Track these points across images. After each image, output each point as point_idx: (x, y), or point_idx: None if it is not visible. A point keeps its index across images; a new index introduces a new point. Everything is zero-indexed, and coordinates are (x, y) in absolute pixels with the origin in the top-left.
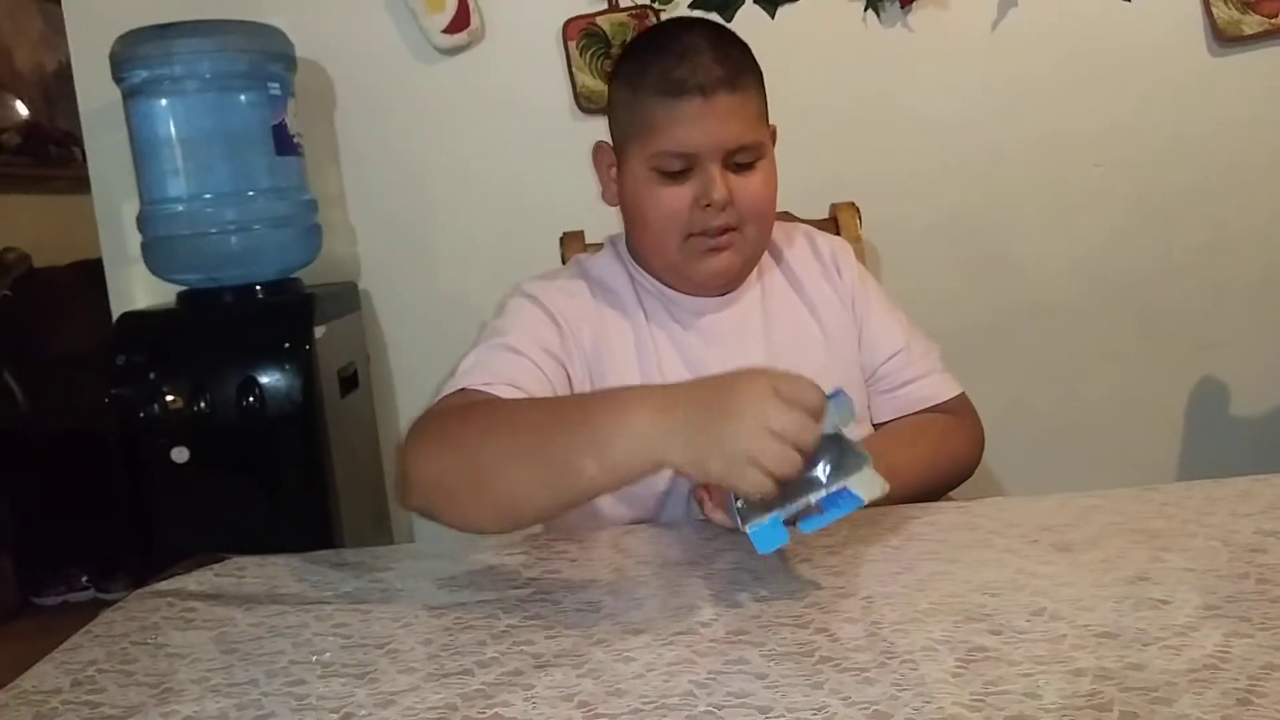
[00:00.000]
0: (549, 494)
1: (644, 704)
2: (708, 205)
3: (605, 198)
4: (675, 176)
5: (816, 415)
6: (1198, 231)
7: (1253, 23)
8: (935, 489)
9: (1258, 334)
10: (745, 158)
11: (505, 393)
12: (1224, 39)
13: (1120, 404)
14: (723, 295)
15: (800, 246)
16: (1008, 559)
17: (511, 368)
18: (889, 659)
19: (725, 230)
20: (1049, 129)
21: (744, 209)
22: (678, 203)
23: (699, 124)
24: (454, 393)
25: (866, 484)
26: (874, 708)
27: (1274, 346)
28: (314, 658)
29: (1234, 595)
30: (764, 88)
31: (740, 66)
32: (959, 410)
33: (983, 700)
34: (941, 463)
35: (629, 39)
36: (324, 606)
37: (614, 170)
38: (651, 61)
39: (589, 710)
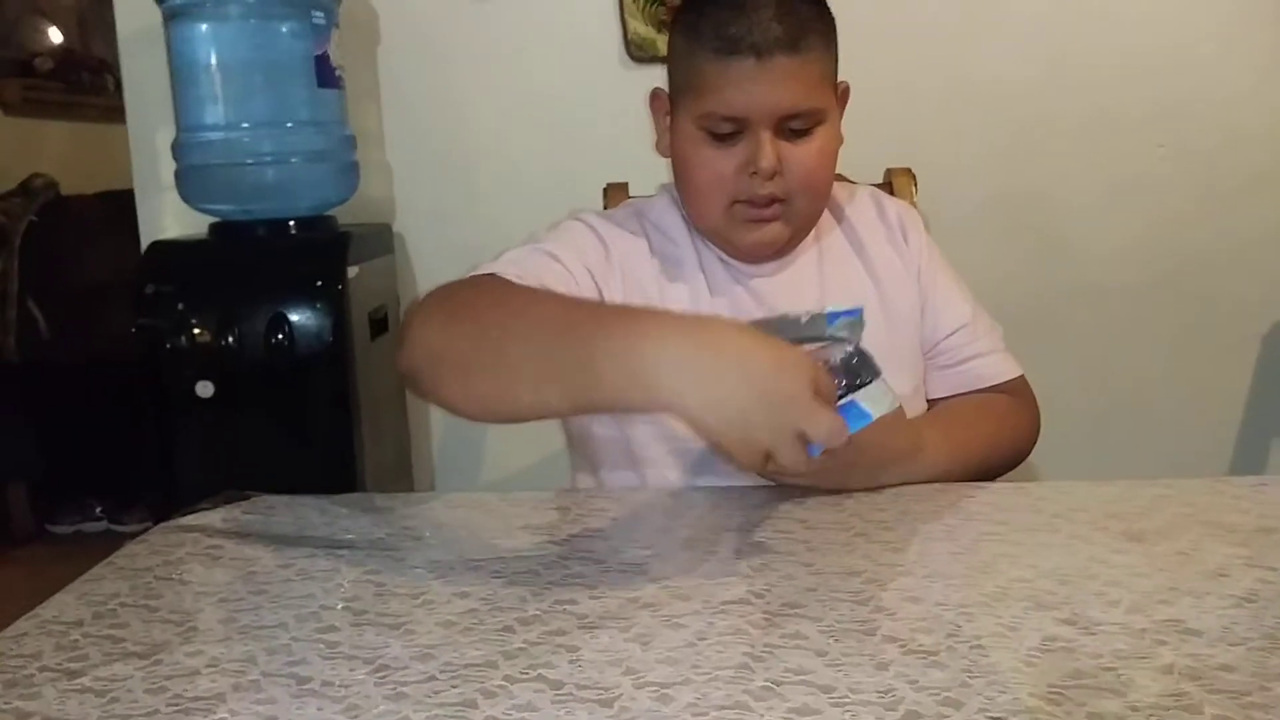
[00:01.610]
0: (557, 390)
1: (696, 674)
2: (754, 173)
3: (658, 147)
4: (724, 139)
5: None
6: (1264, 220)
7: None
8: (993, 470)
9: None
10: (801, 124)
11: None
12: None
13: (1173, 392)
14: (777, 259)
15: (865, 207)
16: (1077, 545)
17: (545, 270)
18: (957, 643)
19: (772, 201)
20: (1113, 107)
21: (794, 180)
22: (724, 167)
23: (751, 87)
24: (480, 275)
25: (875, 398)
26: (945, 694)
27: None
28: (345, 604)
29: None
30: (834, 46)
31: (805, 25)
32: (1019, 392)
33: (1061, 694)
34: (1003, 443)
35: None
36: (355, 551)
37: (669, 120)
38: (710, 12)
39: (638, 678)
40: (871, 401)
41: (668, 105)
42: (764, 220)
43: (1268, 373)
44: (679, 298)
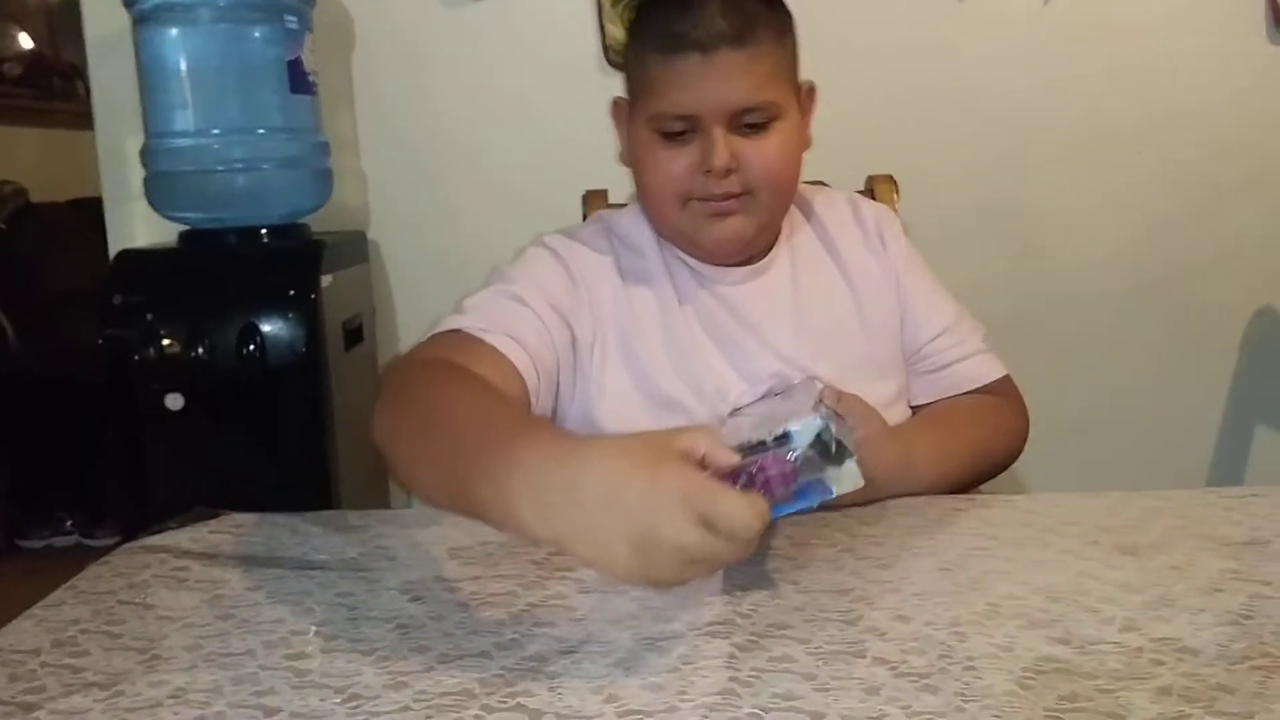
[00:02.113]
0: (461, 507)
1: (681, 700)
2: (708, 171)
3: (620, 158)
4: (676, 138)
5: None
6: (1246, 227)
7: None
8: (986, 473)
9: None
10: (756, 119)
11: (500, 342)
12: None
13: (1154, 401)
14: (747, 265)
15: (840, 211)
16: (1068, 560)
17: (513, 318)
18: (949, 664)
19: (728, 198)
20: (1095, 115)
21: (753, 175)
22: (677, 167)
23: (698, 83)
24: (448, 331)
25: (840, 478)
26: (938, 719)
27: None
28: (314, 629)
29: None
30: (790, 39)
31: (752, 19)
32: (1005, 391)
33: (1058, 718)
34: (994, 447)
35: None
36: (327, 573)
37: (628, 132)
38: (654, 13)
39: (621, 706)
40: (837, 481)
41: (628, 113)
42: (725, 213)
43: (1247, 376)
44: (648, 311)
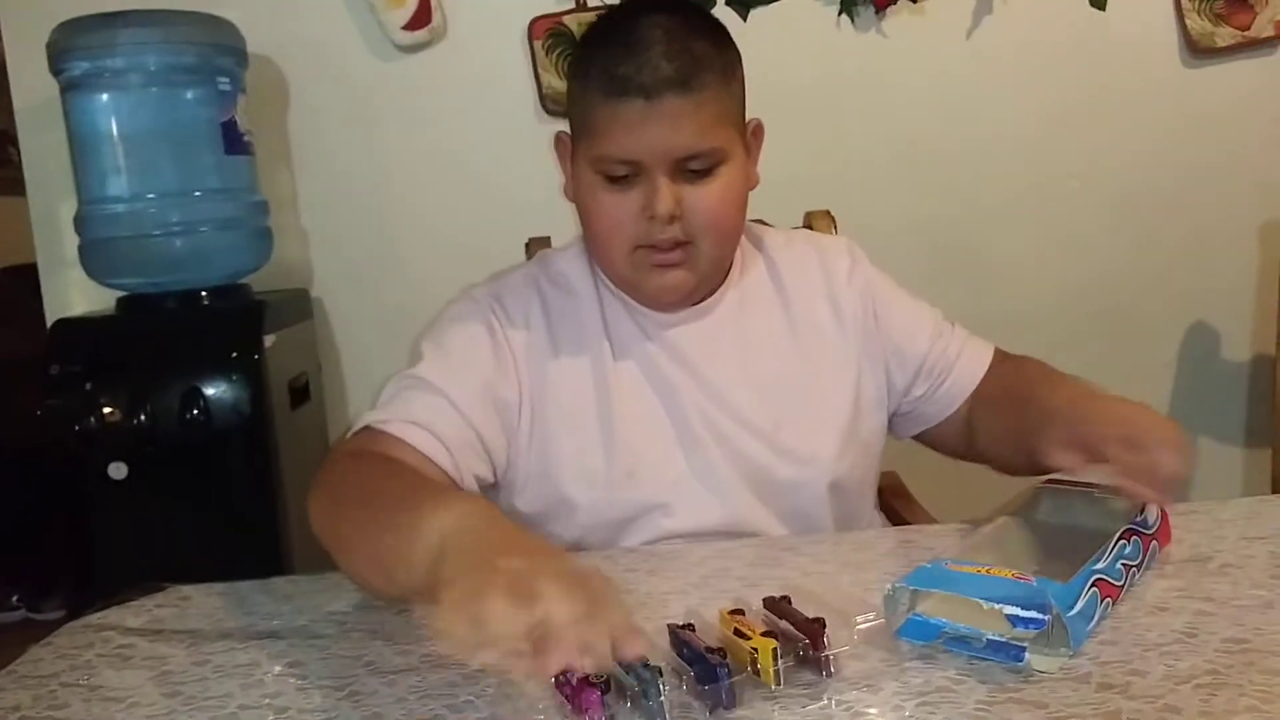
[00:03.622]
0: (383, 583)
1: None
2: (652, 217)
3: (565, 192)
4: (620, 181)
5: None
6: (1172, 243)
7: (1225, 35)
8: None
9: (1230, 346)
10: (700, 165)
11: (407, 432)
12: (1197, 50)
13: None
14: (692, 306)
15: (799, 252)
16: None
17: (422, 409)
18: (902, 700)
19: (675, 245)
20: (1023, 138)
21: (695, 223)
22: (622, 212)
23: (641, 129)
24: (361, 430)
25: (1044, 660)
26: None
27: (1245, 356)
28: (266, 701)
29: (1259, 627)
30: (736, 82)
31: (698, 62)
32: (1009, 358)
33: None
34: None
35: None
36: (276, 642)
37: (571, 164)
38: (598, 53)
39: None
40: (1040, 660)
41: (570, 148)
42: (668, 265)
43: (1185, 391)
44: (580, 371)
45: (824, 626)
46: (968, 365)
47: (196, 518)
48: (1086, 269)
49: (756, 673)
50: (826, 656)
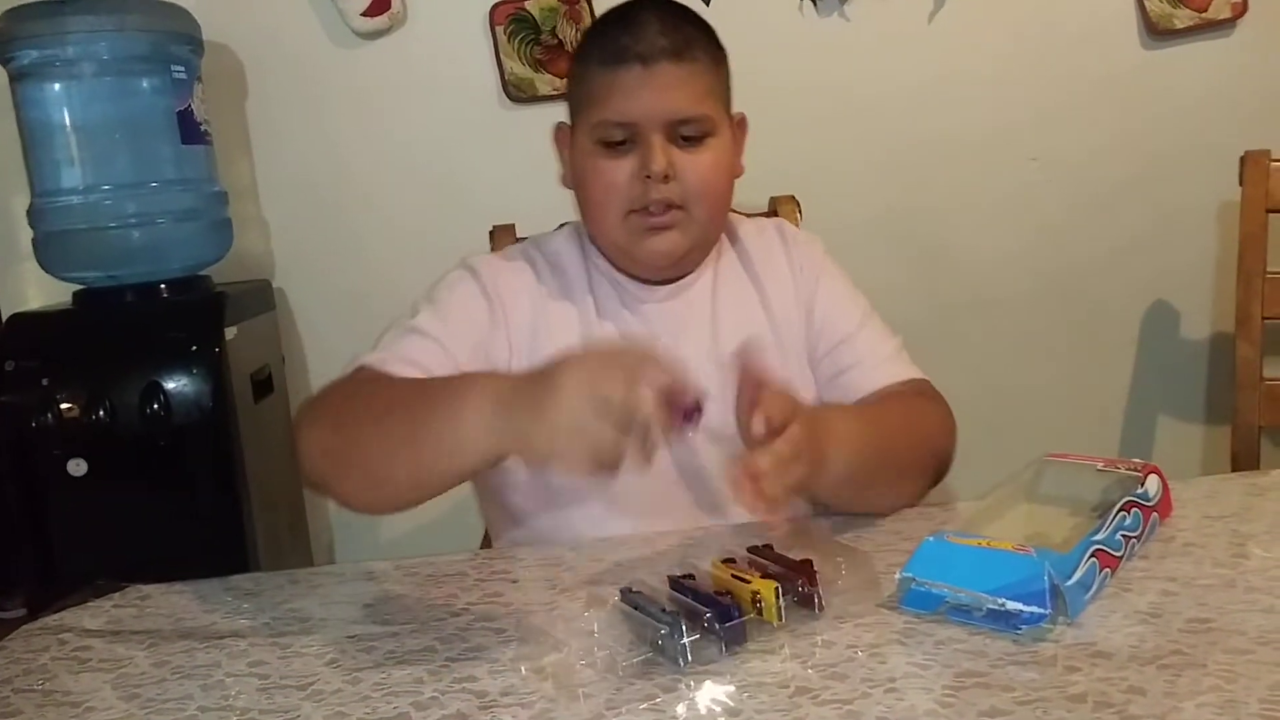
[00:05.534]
0: (411, 472)
1: None
2: (647, 176)
3: (562, 180)
4: (617, 148)
5: (637, 376)
6: (1133, 225)
7: (1184, 16)
8: (916, 450)
9: (1190, 325)
10: (692, 131)
11: (399, 369)
12: (1156, 32)
13: (1057, 398)
14: (674, 281)
15: (768, 237)
16: None
17: (419, 351)
18: (870, 688)
19: (669, 208)
20: (985, 122)
21: (689, 186)
22: (618, 175)
23: (639, 92)
24: (354, 370)
25: (1042, 630)
26: None
27: (1205, 334)
28: (227, 702)
29: (1221, 606)
30: (724, 70)
31: (690, 39)
32: (923, 392)
33: None
34: (913, 425)
35: (559, 25)
36: (238, 641)
37: (570, 152)
38: (599, 33)
39: None
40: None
41: (569, 138)
42: (662, 228)
43: (1146, 370)
44: (568, 321)
45: (813, 565)
46: (866, 374)
47: (159, 514)
48: (1048, 251)
49: (759, 612)
50: (819, 593)
